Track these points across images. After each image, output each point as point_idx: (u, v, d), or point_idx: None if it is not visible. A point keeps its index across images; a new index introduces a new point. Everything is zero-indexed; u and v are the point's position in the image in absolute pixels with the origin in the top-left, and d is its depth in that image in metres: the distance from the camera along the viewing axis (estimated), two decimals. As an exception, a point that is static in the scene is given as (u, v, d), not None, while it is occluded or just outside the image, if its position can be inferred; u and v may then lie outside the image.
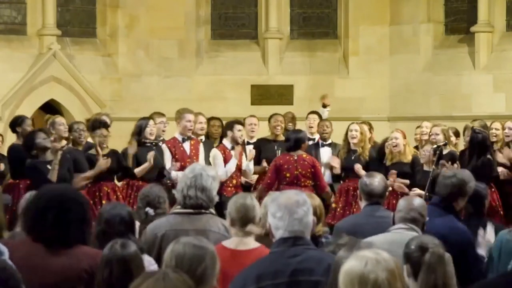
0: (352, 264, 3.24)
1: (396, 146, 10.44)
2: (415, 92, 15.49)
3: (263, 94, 15.85)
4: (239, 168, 10.73)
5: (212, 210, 5.42)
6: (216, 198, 5.42)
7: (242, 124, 11.16)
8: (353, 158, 10.82)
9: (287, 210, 4.20)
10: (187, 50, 15.92)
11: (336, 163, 11.01)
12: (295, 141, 10.36)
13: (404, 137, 10.59)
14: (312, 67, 15.99)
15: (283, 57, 16.05)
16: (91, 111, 14.58)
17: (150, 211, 6.09)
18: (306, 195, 4.47)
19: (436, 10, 15.62)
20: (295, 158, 10.23)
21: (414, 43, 15.64)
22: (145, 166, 10.23)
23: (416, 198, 5.45)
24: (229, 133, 10.83)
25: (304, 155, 10.33)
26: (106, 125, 10.20)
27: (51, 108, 14.69)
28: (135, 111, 14.80)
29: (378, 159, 10.68)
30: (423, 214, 5.32)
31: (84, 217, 4.45)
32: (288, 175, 10.18)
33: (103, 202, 9.72)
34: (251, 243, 5.02)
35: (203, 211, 5.33)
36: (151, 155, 10.19)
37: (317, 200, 5.62)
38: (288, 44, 16.15)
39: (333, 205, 10.49)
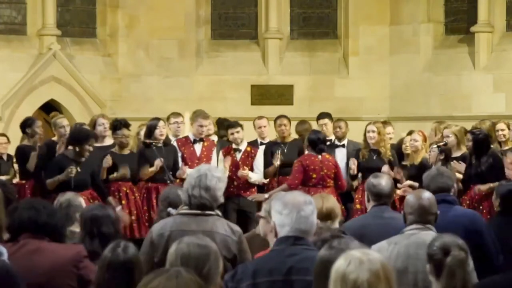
0: (338, 263, 3.27)
1: (413, 147, 10.50)
2: (415, 92, 15.49)
3: (263, 94, 15.85)
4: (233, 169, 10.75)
5: (218, 212, 5.42)
6: (221, 199, 5.40)
7: (240, 126, 10.98)
8: (374, 158, 10.68)
9: (294, 207, 4.26)
10: (187, 50, 15.91)
11: (353, 163, 10.84)
12: (324, 140, 10.35)
13: (424, 140, 10.55)
14: (312, 67, 15.99)
15: (283, 57, 16.05)
16: (91, 111, 14.58)
17: (172, 211, 6.08)
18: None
19: (436, 10, 15.62)
20: (320, 159, 10.10)
21: (414, 43, 15.64)
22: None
23: (425, 193, 5.38)
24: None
25: (327, 156, 10.21)
26: (127, 125, 10.17)
27: (51, 108, 14.68)
28: (135, 111, 14.81)
29: (398, 160, 10.75)
30: (434, 209, 5.29)
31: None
32: (314, 176, 10.01)
33: (123, 202, 9.76)
34: None
35: (208, 212, 5.32)
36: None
37: (333, 199, 5.59)
38: (288, 44, 16.15)
39: (358, 206, 10.35)
